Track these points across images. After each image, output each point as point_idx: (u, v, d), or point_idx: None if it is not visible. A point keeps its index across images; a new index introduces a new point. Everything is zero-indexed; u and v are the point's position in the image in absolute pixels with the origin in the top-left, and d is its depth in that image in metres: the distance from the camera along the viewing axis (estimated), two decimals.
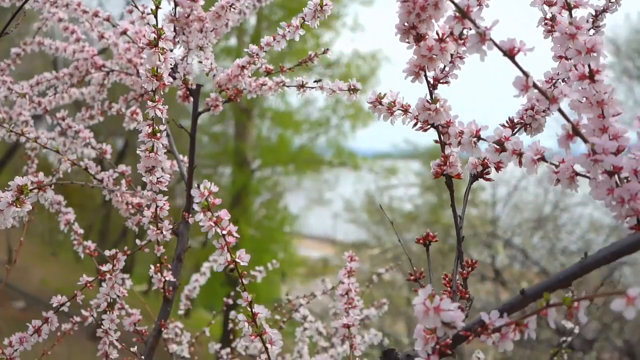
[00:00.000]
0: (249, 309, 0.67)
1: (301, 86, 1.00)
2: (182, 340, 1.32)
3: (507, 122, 0.71)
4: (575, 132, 0.53)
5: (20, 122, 1.30)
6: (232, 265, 0.66)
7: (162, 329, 1.02)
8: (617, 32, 9.54)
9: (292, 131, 12.12)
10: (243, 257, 0.66)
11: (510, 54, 0.52)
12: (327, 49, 1.04)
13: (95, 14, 1.13)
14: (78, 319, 1.17)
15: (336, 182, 12.44)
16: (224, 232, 0.64)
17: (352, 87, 0.89)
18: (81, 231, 1.14)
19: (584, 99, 0.56)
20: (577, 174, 0.56)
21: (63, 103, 1.38)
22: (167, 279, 1.00)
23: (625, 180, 0.54)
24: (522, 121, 0.71)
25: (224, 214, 0.65)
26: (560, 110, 0.53)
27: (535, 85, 0.52)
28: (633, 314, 0.41)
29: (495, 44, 0.52)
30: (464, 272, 0.65)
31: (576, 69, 0.57)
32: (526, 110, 0.71)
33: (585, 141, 0.53)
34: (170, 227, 0.94)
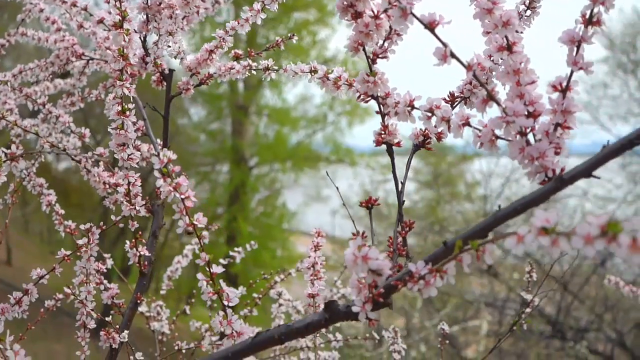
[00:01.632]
0: (208, 269, 0.72)
1: (266, 69, 1.05)
2: (162, 317, 1.37)
3: (448, 95, 0.77)
4: (490, 97, 0.59)
5: (5, 110, 1.36)
6: (190, 228, 0.71)
7: (139, 302, 1.07)
8: (610, 26, 9.60)
9: (289, 128, 12.18)
10: (200, 219, 0.71)
11: (430, 26, 0.58)
12: (293, 34, 1.10)
13: (74, 4, 1.18)
14: (60, 295, 1.22)
15: (334, 179, 12.46)
16: (183, 196, 0.70)
17: (312, 69, 0.94)
18: (62, 212, 1.20)
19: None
20: (497, 137, 0.62)
21: (49, 93, 1.44)
22: (142, 253, 1.06)
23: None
24: (461, 95, 0.76)
25: (183, 180, 0.70)
26: (475, 77, 0.59)
27: (452, 55, 0.58)
28: (521, 250, 0.47)
29: (417, 18, 0.58)
30: (403, 232, 0.71)
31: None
32: (465, 84, 0.76)
33: (499, 105, 0.59)
34: (143, 202, 1.00)
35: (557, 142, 0.59)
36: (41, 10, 1.30)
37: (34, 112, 1.41)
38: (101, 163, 1.12)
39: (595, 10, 0.59)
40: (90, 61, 1.30)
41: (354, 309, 0.62)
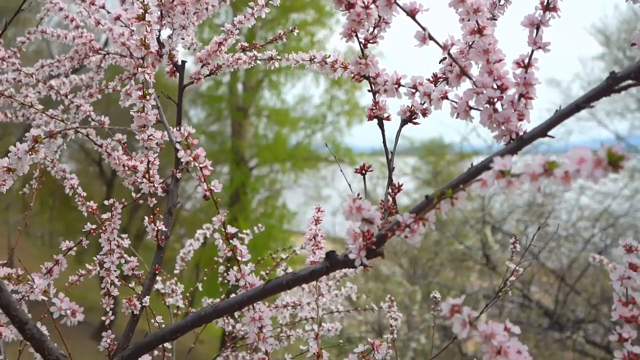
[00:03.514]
0: (223, 229, 0.83)
1: (270, 59, 1.16)
2: (176, 291, 1.48)
3: (431, 76, 0.87)
4: (462, 72, 0.70)
5: (33, 100, 1.47)
6: (208, 193, 0.82)
7: (157, 272, 1.18)
8: (606, 23, 9.71)
9: (288, 129, 12.30)
10: (217, 186, 0.82)
11: (412, 13, 0.69)
12: (294, 28, 1.21)
13: (92, 3, 1.29)
14: (83, 271, 1.32)
15: (333, 179, 12.62)
16: (201, 165, 0.80)
17: (312, 57, 1.05)
18: (84, 194, 1.30)
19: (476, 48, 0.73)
20: (471, 107, 0.73)
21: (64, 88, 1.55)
22: (159, 228, 1.16)
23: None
24: (443, 75, 0.87)
25: (201, 152, 0.81)
26: (450, 55, 0.69)
27: (430, 37, 0.68)
28: (485, 192, 0.57)
29: (400, 7, 0.68)
30: (393, 193, 0.82)
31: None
32: (446, 66, 0.87)
33: (470, 79, 0.69)
34: (161, 181, 1.10)
35: (521, 110, 0.70)
36: (61, 9, 1.40)
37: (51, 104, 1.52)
38: (120, 147, 1.23)
39: None
40: (107, 56, 1.41)
41: (351, 256, 0.73)
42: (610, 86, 0.62)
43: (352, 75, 0.81)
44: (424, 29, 0.68)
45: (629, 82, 0.62)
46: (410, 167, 11.43)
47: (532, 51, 0.70)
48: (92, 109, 1.31)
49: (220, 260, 1.54)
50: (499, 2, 0.92)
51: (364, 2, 0.75)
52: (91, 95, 1.43)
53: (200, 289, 1.60)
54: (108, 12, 1.29)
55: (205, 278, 1.66)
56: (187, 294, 1.55)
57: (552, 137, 0.65)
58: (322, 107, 12.39)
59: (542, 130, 0.65)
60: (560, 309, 6.67)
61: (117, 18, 1.25)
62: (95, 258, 1.31)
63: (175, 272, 1.58)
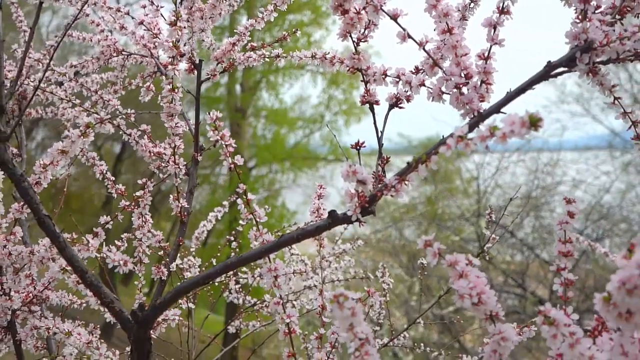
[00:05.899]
0: (245, 196, 1.01)
1: (277, 56, 1.34)
2: (194, 264, 1.66)
3: (414, 68, 1.05)
4: (435, 64, 0.87)
5: (57, 99, 1.64)
6: (232, 166, 1.00)
7: (180, 244, 1.36)
8: None
9: (286, 129, 12.47)
10: (239, 160, 1.00)
11: (394, 17, 0.86)
12: (297, 29, 1.39)
13: (118, 10, 1.46)
14: (113, 247, 1.49)
15: (332, 178, 12.80)
16: (227, 143, 0.98)
17: (313, 54, 1.23)
18: (113, 178, 1.48)
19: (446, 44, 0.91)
20: (443, 92, 0.90)
21: (89, 86, 1.72)
22: (183, 205, 1.34)
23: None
24: (422, 67, 1.04)
25: (227, 132, 0.99)
26: (425, 50, 0.87)
27: (409, 36, 0.86)
28: (449, 153, 0.75)
29: (385, 12, 0.86)
30: (382, 163, 0.99)
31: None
32: (425, 59, 1.04)
33: (441, 69, 0.87)
34: (185, 163, 1.28)
35: (482, 94, 0.87)
36: (87, 15, 1.58)
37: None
38: (146, 136, 1.41)
39: (506, 3, 0.88)
40: (129, 56, 1.58)
41: (348, 213, 0.90)
42: (547, 72, 0.80)
43: (348, 68, 0.99)
44: (404, 29, 0.86)
45: (562, 69, 0.80)
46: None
47: (490, 46, 0.88)
48: (119, 103, 1.48)
49: (232, 238, 1.72)
50: (469, 5, 1.10)
51: (355, 9, 0.93)
52: (116, 91, 1.60)
53: (214, 263, 1.77)
54: (132, 18, 1.47)
55: (218, 254, 1.84)
56: (203, 268, 1.72)
57: (505, 113, 0.83)
58: (320, 106, 12.57)
59: (496, 108, 0.83)
60: (555, 298, 6.86)
61: (141, 22, 1.43)
62: (122, 236, 1.49)
63: (192, 250, 1.76)
